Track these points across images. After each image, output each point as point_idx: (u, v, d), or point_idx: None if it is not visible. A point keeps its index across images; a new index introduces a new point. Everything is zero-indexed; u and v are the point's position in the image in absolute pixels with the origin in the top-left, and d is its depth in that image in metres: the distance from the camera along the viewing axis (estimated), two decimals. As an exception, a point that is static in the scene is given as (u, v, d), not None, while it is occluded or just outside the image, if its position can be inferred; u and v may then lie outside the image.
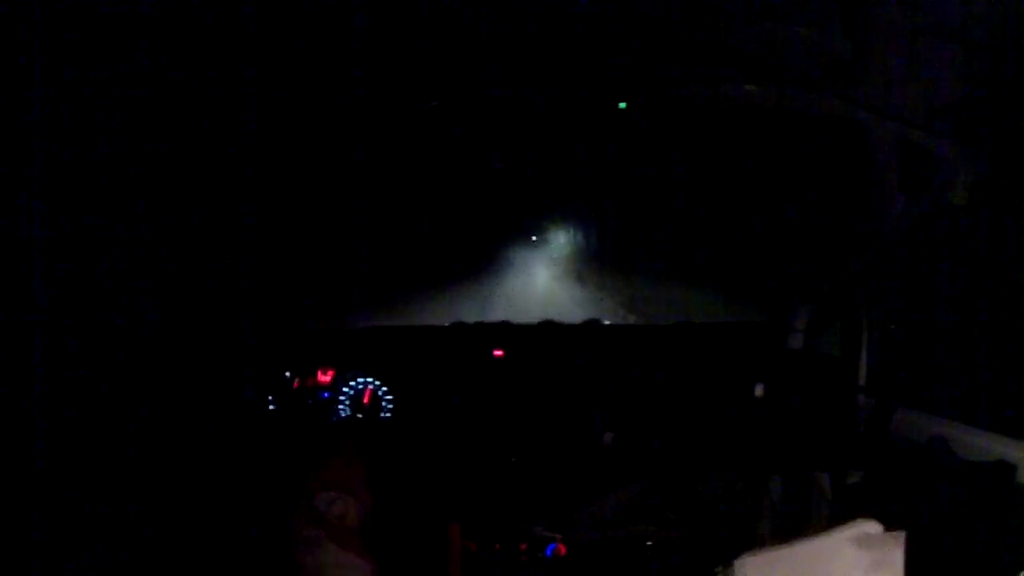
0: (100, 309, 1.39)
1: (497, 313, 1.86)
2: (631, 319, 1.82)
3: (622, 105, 1.49)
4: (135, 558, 1.32)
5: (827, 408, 1.60)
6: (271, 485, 1.60)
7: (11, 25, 1.00)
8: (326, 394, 1.67)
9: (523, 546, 1.60)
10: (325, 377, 1.66)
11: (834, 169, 1.52)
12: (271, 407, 1.66)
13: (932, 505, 1.21)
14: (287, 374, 1.66)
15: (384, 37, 1.19)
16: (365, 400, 1.65)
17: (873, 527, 0.72)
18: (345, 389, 1.66)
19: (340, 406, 1.66)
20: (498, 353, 1.67)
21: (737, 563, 0.68)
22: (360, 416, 1.65)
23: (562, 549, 1.61)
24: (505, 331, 1.72)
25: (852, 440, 1.54)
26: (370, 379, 1.66)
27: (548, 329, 1.74)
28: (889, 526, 0.95)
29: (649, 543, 1.68)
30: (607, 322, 1.80)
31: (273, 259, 1.89)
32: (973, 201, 1.25)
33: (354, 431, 1.65)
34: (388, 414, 1.65)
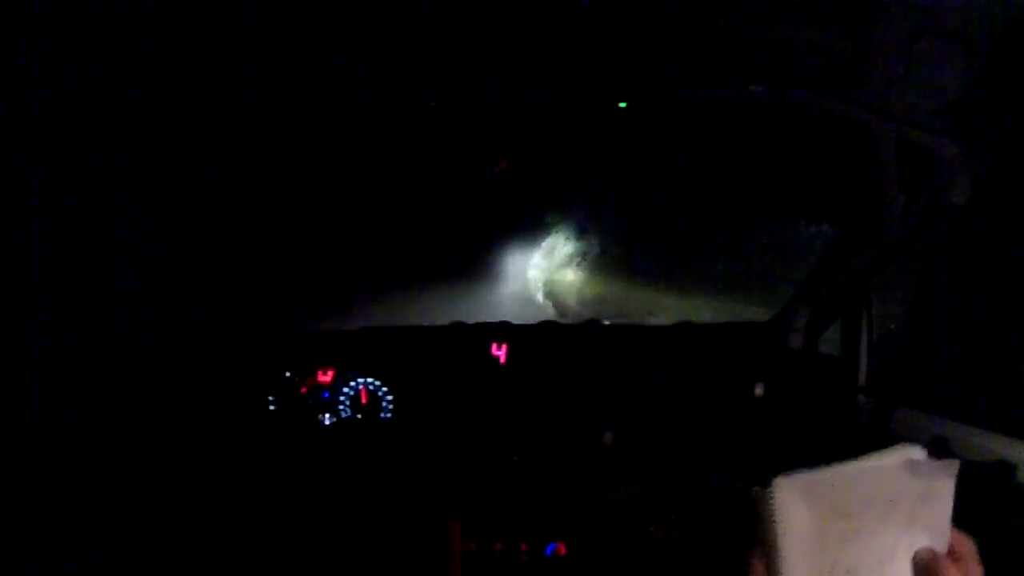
0: (100, 309, 1.39)
1: (497, 313, 1.85)
2: (631, 319, 1.81)
3: (622, 105, 1.48)
4: (135, 558, 1.32)
5: (827, 408, 1.60)
6: (270, 485, 1.60)
7: (11, 25, 1.00)
8: (326, 394, 1.67)
9: (523, 546, 1.60)
10: (325, 377, 1.66)
11: (834, 169, 1.52)
12: (271, 407, 1.65)
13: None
14: (287, 374, 1.66)
15: (384, 37, 1.19)
16: (364, 400, 1.65)
17: (918, 452, 0.67)
18: (345, 389, 1.66)
19: (340, 406, 1.67)
20: (498, 353, 1.67)
21: (775, 482, 0.63)
22: (360, 416, 1.65)
23: (562, 549, 1.60)
24: (505, 331, 1.72)
25: (852, 440, 1.54)
26: (370, 379, 1.66)
27: (548, 329, 1.74)
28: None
29: (649, 543, 1.68)
30: (607, 322, 1.79)
31: (273, 259, 1.89)
32: (973, 201, 1.25)
33: (354, 431, 1.65)
34: (388, 414, 1.65)
